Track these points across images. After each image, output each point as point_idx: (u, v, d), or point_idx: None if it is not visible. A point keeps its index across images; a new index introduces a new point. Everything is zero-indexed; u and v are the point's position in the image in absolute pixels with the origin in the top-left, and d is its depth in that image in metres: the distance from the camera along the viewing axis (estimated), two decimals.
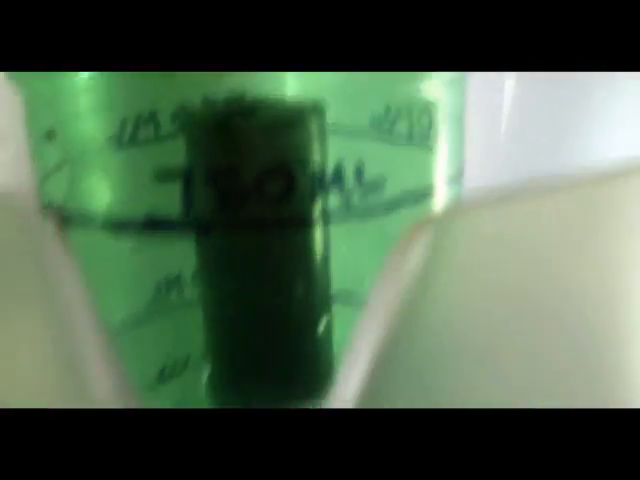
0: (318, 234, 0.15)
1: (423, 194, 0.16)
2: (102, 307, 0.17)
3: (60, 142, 0.15)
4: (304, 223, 0.15)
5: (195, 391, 0.19)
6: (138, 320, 0.18)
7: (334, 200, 0.15)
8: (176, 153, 0.14)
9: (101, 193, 0.15)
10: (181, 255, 0.15)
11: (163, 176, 0.14)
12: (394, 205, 0.15)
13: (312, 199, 0.14)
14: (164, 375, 0.19)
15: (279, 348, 0.16)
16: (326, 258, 0.15)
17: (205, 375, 0.18)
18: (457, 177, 0.17)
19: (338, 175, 0.14)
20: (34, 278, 0.10)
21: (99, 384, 0.10)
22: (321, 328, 0.16)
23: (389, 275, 0.10)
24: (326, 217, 0.15)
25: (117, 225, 0.15)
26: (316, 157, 0.14)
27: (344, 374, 0.10)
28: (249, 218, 0.14)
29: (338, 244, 0.15)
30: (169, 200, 0.14)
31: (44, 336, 0.10)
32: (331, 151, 0.14)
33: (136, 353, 0.19)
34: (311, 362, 0.17)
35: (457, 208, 0.10)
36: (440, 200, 0.16)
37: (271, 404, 0.17)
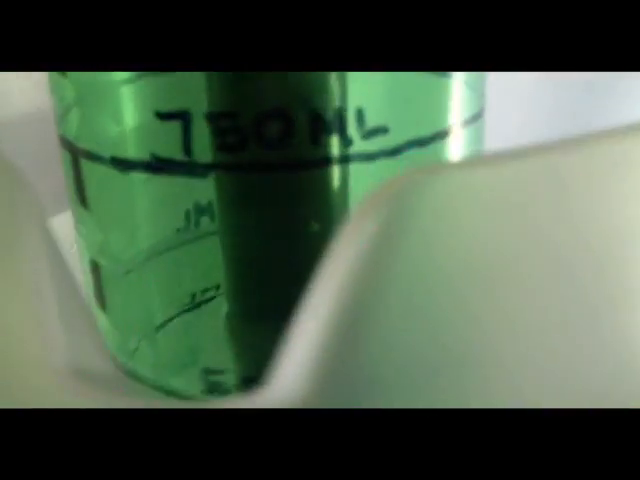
0: (323, 175, 0.14)
1: (437, 135, 0.15)
2: (128, 233, 0.18)
3: (72, 77, 0.15)
4: (304, 167, 0.14)
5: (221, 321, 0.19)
6: (168, 246, 0.18)
7: (335, 143, 0.14)
8: (175, 93, 0.14)
9: (108, 130, 0.15)
10: (209, 184, 0.15)
11: (163, 116, 0.14)
12: (399, 150, 0.15)
13: (312, 143, 0.14)
14: (194, 302, 0.19)
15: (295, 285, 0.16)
16: (339, 196, 0.15)
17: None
18: (476, 117, 0.16)
19: (339, 119, 0.14)
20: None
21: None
22: None
23: (340, 250, 0.10)
24: (328, 160, 0.14)
25: (124, 163, 0.15)
26: (316, 100, 0.14)
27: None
28: (249, 161, 0.14)
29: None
30: (172, 140, 0.14)
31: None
32: (331, 96, 0.14)
33: (166, 278, 0.19)
34: None
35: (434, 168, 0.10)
36: (456, 143, 0.16)
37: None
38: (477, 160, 0.11)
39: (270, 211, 0.15)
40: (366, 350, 0.10)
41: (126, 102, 0.15)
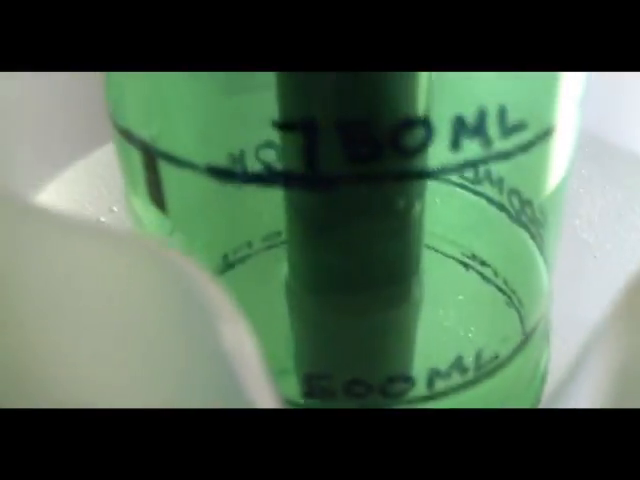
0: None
1: (556, 125, 0.14)
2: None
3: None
4: (442, 174, 0.13)
5: (264, 283, 0.18)
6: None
7: (475, 147, 0.13)
8: (297, 99, 0.12)
9: (203, 136, 0.13)
10: None
11: (282, 125, 0.12)
12: (533, 144, 0.13)
13: (452, 149, 0.13)
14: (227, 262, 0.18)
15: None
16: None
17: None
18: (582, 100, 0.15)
19: (481, 120, 0.13)
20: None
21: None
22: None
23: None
24: (466, 166, 0.13)
25: (225, 174, 0.13)
26: (456, 104, 0.12)
27: None
28: (382, 172, 0.13)
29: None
30: (287, 151, 0.13)
31: None
32: (472, 95, 0.12)
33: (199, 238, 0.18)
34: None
35: None
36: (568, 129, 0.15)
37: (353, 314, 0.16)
38: None
39: (398, 220, 0.13)
40: None
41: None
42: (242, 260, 0.20)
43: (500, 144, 0.13)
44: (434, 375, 0.15)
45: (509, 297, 0.19)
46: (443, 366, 0.16)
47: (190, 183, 0.14)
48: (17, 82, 0.19)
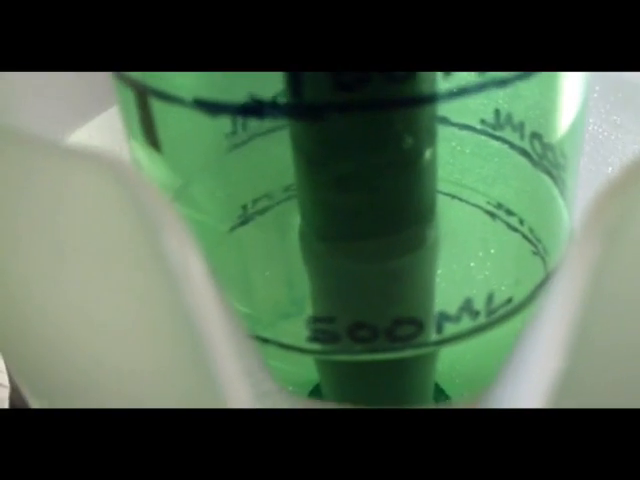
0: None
1: None
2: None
3: None
4: (432, 100, 0.12)
5: (285, 235, 0.18)
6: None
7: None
8: None
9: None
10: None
11: None
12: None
13: (444, 75, 0.12)
14: (247, 214, 0.18)
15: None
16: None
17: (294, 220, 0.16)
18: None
19: None
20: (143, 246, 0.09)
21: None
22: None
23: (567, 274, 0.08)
24: (461, 93, 0.12)
25: (212, 107, 0.13)
26: None
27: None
28: (370, 98, 0.12)
29: None
30: (270, 81, 0.12)
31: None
32: None
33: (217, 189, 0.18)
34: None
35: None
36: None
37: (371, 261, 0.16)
38: None
39: (383, 154, 0.13)
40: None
41: None
42: (262, 212, 0.20)
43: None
44: (442, 319, 0.15)
45: (535, 245, 0.19)
46: (451, 309, 0.15)
47: (186, 122, 0.14)
48: None
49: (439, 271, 0.16)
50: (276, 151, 0.16)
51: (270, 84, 0.13)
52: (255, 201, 0.19)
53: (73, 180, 0.09)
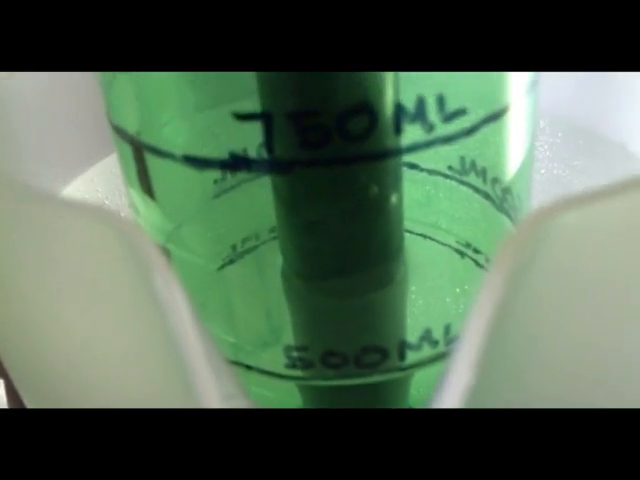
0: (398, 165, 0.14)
1: (504, 109, 0.15)
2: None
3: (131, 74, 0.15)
4: (387, 156, 0.14)
5: (268, 272, 0.19)
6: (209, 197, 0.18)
7: (417, 131, 0.14)
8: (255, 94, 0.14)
9: (178, 128, 0.15)
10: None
11: (243, 116, 0.14)
12: (475, 128, 0.15)
13: (395, 133, 0.14)
14: (235, 253, 0.20)
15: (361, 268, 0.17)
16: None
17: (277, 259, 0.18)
18: (534, 84, 0.16)
19: (420, 107, 0.14)
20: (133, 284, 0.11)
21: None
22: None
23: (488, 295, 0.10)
24: (409, 148, 0.14)
25: (199, 162, 0.15)
26: (396, 93, 0.14)
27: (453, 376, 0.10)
28: (331, 156, 0.14)
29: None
30: (250, 139, 0.14)
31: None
32: (411, 84, 0.14)
33: (210, 228, 0.19)
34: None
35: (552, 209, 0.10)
36: (519, 113, 0.16)
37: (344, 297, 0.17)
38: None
39: (349, 202, 0.15)
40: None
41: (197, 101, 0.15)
42: (250, 250, 0.21)
43: (442, 129, 0.14)
44: (405, 347, 0.17)
45: None
46: (413, 338, 0.17)
47: (177, 174, 0.16)
48: (40, 82, 0.21)
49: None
50: (261, 196, 0.18)
51: (251, 141, 0.15)
52: (244, 241, 0.21)
53: (78, 231, 0.11)
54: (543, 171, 0.25)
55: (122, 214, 0.22)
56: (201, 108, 0.16)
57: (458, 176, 0.20)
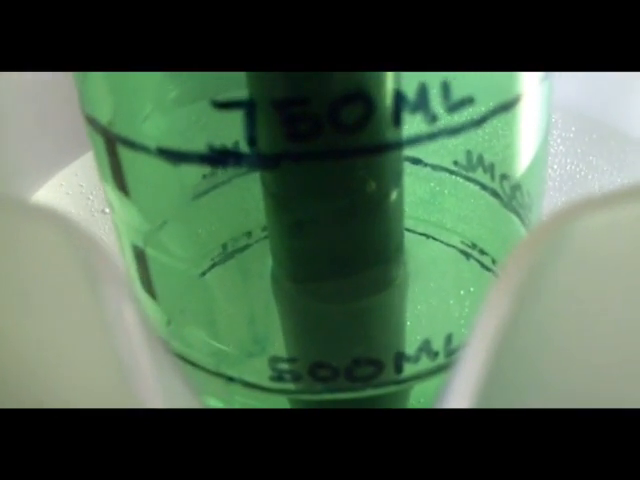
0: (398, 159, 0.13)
1: (516, 99, 0.14)
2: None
3: None
4: (385, 149, 0.13)
5: (255, 276, 0.18)
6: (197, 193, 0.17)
7: (419, 122, 0.13)
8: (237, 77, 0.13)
9: (155, 119, 0.14)
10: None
11: (222, 104, 0.13)
12: (484, 119, 0.13)
13: (394, 124, 0.13)
14: (226, 251, 0.18)
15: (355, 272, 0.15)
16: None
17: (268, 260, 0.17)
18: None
19: (422, 96, 0.12)
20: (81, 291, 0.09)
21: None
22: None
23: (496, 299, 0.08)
24: (409, 141, 0.13)
25: (175, 155, 0.13)
26: (396, 79, 0.12)
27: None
28: (323, 149, 0.13)
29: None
30: (232, 131, 0.13)
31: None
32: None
33: (197, 227, 0.18)
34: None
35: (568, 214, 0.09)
36: (532, 103, 0.14)
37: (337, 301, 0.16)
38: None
39: (344, 200, 0.13)
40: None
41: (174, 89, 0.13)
42: (241, 250, 0.20)
43: (447, 120, 0.13)
44: (401, 359, 0.15)
45: None
46: (410, 350, 0.15)
47: (153, 169, 0.14)
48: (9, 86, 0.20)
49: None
50: (255, 191, 0.16)
51: (232, 130, 0.13)
52: (235, 240, 0.20)
53: (25, 233, 0.09)
54: (555, 167, 0.23)
55: (107, 210, 0.21)
56: (182, 101, 0.14)
57: (464, 172, 0.19)
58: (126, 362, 0.09)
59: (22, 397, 0.11)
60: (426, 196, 0.20)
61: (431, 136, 0.13)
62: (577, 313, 0.09)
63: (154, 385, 0.09)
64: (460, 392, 0.09)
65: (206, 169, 0.17)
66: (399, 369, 0.15)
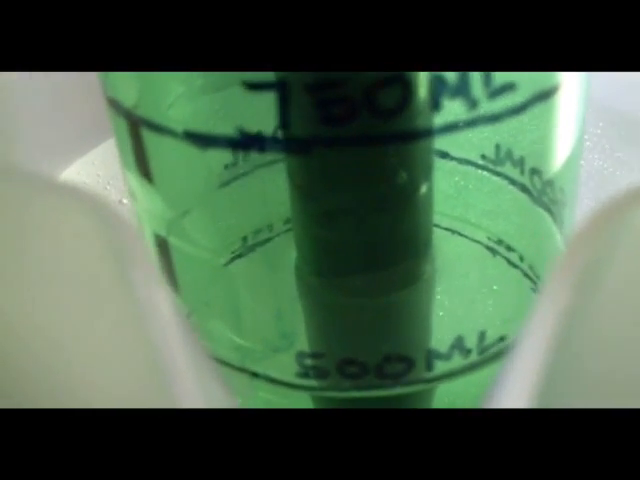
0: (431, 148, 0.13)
1: (555, 87, 0.13)
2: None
3: None
4: (421, 136, 0.12)
5: (280, 268, 0.18)
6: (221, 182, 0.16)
7: (458, 108, 0.12)
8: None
9: (182, 104, 0.13)
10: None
11: (254, 85, 0.12)
12: (525, 106, 0.13)
13: (432, 109, 0.12)
14: (246, 244, 0.18)
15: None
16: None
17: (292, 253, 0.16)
18: None
19: (463, 80, 0.12)
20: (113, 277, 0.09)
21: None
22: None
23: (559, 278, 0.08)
24: (448, 127, 0.12)
25: (203, 139, 0.13)
26: None
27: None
28: (357, 134, 0.12)
29: None
30: (262, 114, 0.12)
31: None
32: None
33: (220, 217, 0.18)
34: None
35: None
36: (571, 93, 0.14)
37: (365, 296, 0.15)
38: None
39: (374, 190, 0.13)
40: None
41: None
42: (263, 243, 0.19)
43: (487, 105, 0.12)
44: (433, 356, 0.15)
45: (534, 282, 0.19)
46: (443, 347, 0.15)
47: (179, 154, 0.14)
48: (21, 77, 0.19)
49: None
50: (276, 183, 0.16)
51: (261, 117, 0.13)
52: (256, 232, 0.19)
53: (55, 213, 0.09)
54: (583, 162, 0.23)
55: (124, 201, 0.21)
56: (209, 89, 0.14)
57: (492, 166, 0.18)
58: (162, 358, 0.08)
59: (55, 393, 0.10)
60: (450, 190, 0.19)
61: (470, 123, 0.12)
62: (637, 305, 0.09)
63: (192, 387, 0.08)
64: (516, 391, 0.08)
65: (228, 158, 0.16)
66: (430, 366, 0.15)
